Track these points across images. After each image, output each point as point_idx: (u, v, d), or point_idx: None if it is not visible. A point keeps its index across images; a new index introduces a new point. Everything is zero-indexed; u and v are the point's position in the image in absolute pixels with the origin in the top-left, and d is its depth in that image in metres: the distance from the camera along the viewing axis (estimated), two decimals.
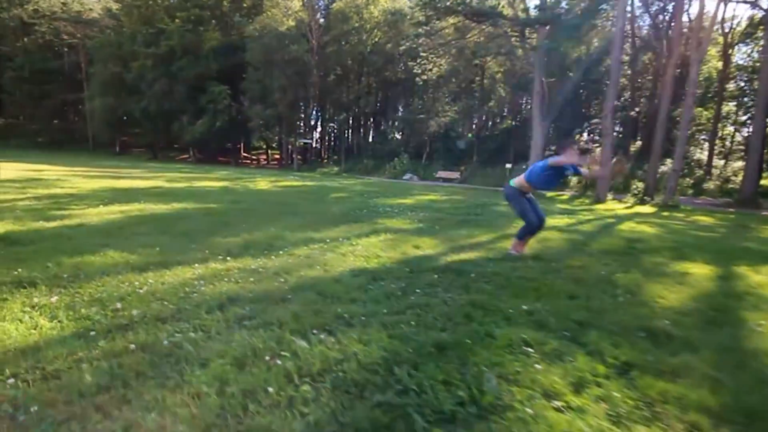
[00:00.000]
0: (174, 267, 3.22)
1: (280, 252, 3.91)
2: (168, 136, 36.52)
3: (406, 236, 5.12)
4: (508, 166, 25.75)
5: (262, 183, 13.56)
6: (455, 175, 25.14)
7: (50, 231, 4.40)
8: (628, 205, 15.60)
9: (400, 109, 36.24)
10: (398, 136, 33.98)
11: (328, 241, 4.51)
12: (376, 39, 32.49)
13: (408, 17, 30.89)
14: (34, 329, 2.05)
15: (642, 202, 16.07)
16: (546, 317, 2.54)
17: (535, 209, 4.20)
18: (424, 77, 18.69)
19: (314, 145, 39.24)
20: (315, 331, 2.14)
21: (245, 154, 45.50)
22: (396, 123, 35.69)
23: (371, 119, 38.87)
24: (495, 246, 4.89)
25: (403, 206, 8.59)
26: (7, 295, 2.47)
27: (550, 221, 7.63)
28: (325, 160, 37.39)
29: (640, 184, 17.87)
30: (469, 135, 29.68)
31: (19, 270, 2.90)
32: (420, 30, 15.62)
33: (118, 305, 2.35)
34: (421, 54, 17.33)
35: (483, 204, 10.22)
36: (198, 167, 26.76)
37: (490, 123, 32.01)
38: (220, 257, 3.57)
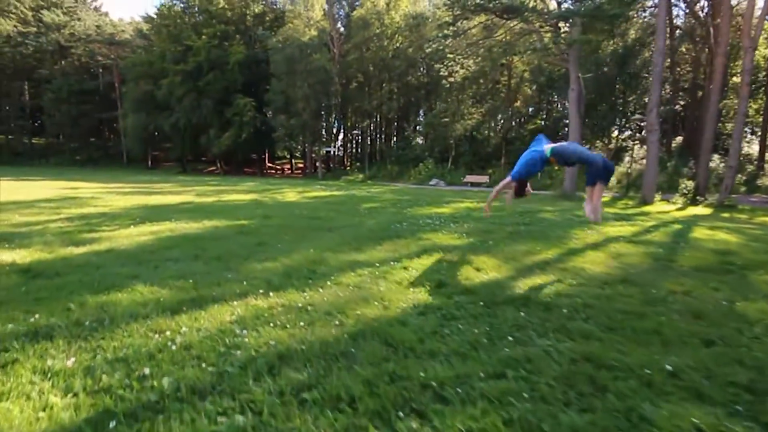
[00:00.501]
0: (210, 306, 2.76)
1: (327, 281, 3.40)
2: (196, 150, 37.40)
3: (460, 255, 4.52)
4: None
5: (290, 194, 13.28)
6: (484, 179, 24.26)
7: (78, 259, 4.08)
8: (679, 206, 14.40)
9: (422, 113, 35.69)
10: (421, 141, 33.39)
11: (376, 264, 3.98)
12: (398, 44, 32.19)
13: (429, 20, 30.54)
14: (43, 411, 1.60)
15: (694, 203, 14.81)
16: (696, 380, 1.89)
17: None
18: (451, 79, 18.01)
19: (337, 153, 39.19)
20: (400, 413, 1.59)
21: (270, 164, 46.09)
22: (419, 127, 35.14)
23: (394, 124, 38.49)
24: (567, 265, 4.22)
25: (442, 217, 7.99)
26: (19, 354, 2.05)
27: (610, 229, 6.88)
28: (348, 168, 37.28)
29: (689, 183, 16.50)
30: (474, 133, 28.50)
31: (37, 315, 2.51)
32: (447, 31, 15.04)
33: (146, 370, 1.88)
34: (448, 56, 16.73)
35: (527, 211, 9.46)
36: (225, 179, 27.08)
37: (514, 123, 30.93)
38: (261, 290, 3.10)
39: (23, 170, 29.34)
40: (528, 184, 3.83)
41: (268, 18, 37.68)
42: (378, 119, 36.24)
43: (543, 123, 27.95)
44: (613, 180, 21.86)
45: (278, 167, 46.29)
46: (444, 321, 2.58)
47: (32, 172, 26.11)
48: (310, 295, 3.04)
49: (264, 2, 38.70)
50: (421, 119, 37.17)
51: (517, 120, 31.54)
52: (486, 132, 30.45)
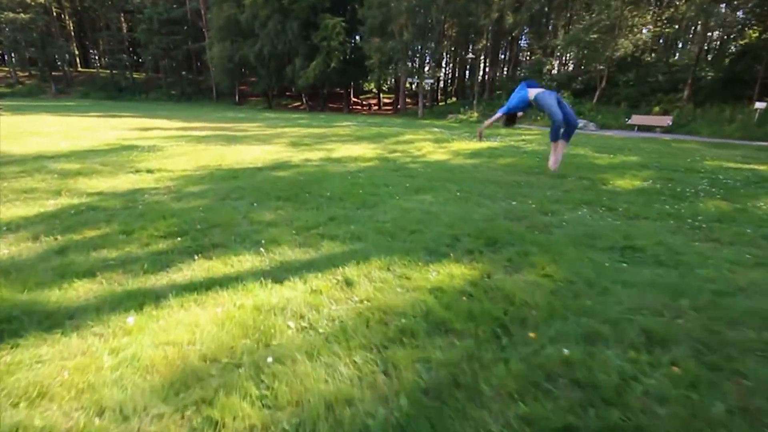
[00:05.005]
0: None
1: None
2: (281, 82, 34.07)
3: None
4: (760, 105, 16.36)
5: (427, 147, 8.59)
6: (665, 120, 16.97)
7: None
8: None
9: (559, 29, 27.12)
10: (554, 67, 25.58)
11: None
12: None
13: None
14: None
15: None
16: None
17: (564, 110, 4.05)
18: None
19: (433, 85, 32.81)
20: None
21: (355, 99, 41.56)
22: (555, 49, 26.77)
23: (516, 46, 30.25)
24: None
25: None
26: None
27: None
28: (445, 104, 31.11)
29: None
30: (644, 55, 19.89)
31: None
32: None
33: None
34: None
35: None
36: (314, 117, 23.35)
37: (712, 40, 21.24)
38: None
39: (122, 105, 28.87)
40: (517, 115, 4.13)
41: None
42: (493, 40, 28.57)
43: (759, 36, 18.57)
44: None
45: (364, 103, 41.57)
46: None
47: (127, 107, 25.02)
48: None
49: None
50: (559, 38, 28.40)
51: (720, 37, 21.84)
52: (656, 54, 21.75)
